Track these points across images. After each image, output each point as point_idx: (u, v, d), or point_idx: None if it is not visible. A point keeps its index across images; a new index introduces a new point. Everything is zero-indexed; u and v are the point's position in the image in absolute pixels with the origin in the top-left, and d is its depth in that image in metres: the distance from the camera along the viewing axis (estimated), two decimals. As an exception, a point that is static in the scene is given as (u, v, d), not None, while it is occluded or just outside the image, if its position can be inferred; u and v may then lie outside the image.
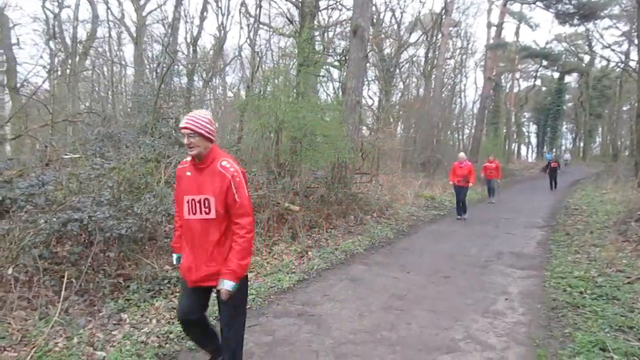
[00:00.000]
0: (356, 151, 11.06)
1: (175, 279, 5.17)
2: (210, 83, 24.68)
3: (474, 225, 10.34)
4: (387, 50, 31.84)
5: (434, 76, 26.36)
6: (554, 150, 53.73)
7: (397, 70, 33.16)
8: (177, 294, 4.91)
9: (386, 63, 29.75)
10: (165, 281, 5.11)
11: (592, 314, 4.44)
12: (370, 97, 39.65)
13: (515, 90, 49.81)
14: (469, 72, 62.34)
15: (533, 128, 59.20)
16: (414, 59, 32.11)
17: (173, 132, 10.06)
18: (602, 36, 52.13)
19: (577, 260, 6.64)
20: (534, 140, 58.61)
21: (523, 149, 59.95)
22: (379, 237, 8.46)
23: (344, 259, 6.84)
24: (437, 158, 21.40)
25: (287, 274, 5.86)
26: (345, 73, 12.80)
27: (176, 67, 14.76)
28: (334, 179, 10.21)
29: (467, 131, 44.82)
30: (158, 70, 14.07)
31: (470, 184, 11.19)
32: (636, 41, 23.40)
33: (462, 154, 11.81)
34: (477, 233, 9.26)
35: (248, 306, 4.64)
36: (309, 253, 6.99)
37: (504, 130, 43.19)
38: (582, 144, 50.05)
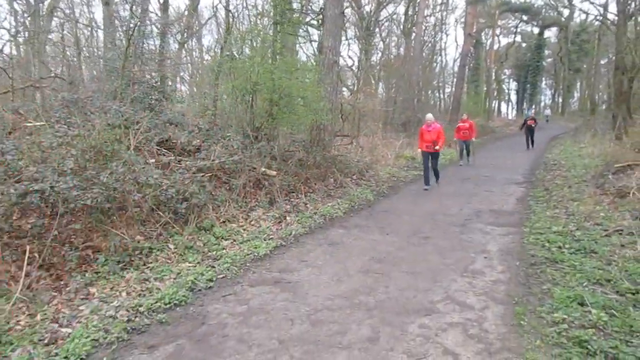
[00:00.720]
0: (335, 113, 10.81)
1: (148, 249, 5.02)
2: (186, 45, 23.83)
3: (454, 183, 10.31)
4: (367, 8, 31.15)
5: (414, 34, 25.83)
6: (534, 107, 54.12)
7: (377, 29, 32.57)
8: (150, 265, 4.77)
9: (365, 21, 29.11)
10: (137, 252, 4.93)
11: (571, 268, 4.41)
12: (350, 57, 39.09)
13: (496, 47, 49.37)
14: (449, 29, 61.58)
15: (513, 85, 59.34)
16: (394, 16, 31.52)
17: (146, 96, 9.68)
18: (581, -12, 51.59)
19: (556, 216, 6.64)
20: (514, 97, 58.84)
21: (503, 106, 60.17)
22: (359, 199, 8.35)
23: (322, 223, 6.72)
24: (417, 118, 21.19)
25: (264, 240, 5.73)
26: (322, 31, 12.35)
27: (145, 28, 14.13)
28: (313, 142, 10.00)
29: (448, 90, 44.59)
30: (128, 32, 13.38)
31: (437, 148, 9.59)
32: (615, -7, 23.11)
33: (429, 115, 10.04)
34: (457, 191, 9.22)
35: (222, 275, 4.55)
36: (287, 218, 6.85)
37: (485, 88, 43.11)
38: (561, 100, 50.39)
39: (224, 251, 5.32)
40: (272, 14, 13.52)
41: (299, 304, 3.85)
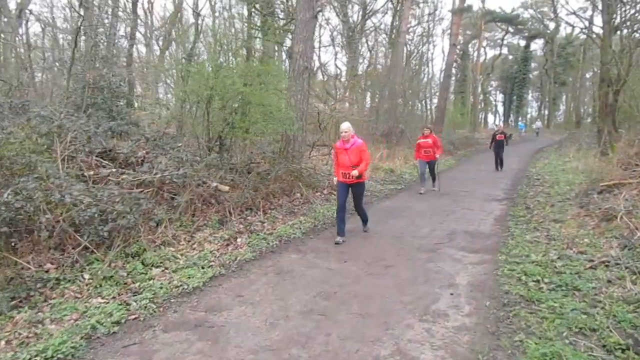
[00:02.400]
0: (305, 122, 10.10)
1: (55, 280, 4.24)
2: (168, 52, 23.06)
3: (430, 199, 9.63)
4: (354, 17, 30.73)
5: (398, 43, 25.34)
6: (520, 118, 54.07)
7: (364, 39, 32.11)
8: (53, 301, 3.98)
9: (351, 30, 28.63)
10: (39, 285, 4.14)
11: (549, 311, 3.71)
12: (337, 67, 38.60)
13: (482, 59, 49.35)
14: (436, 40, 61.54)
15: (500, 97, 59.33)
16: (381, 26, 31.11)
17: (104, 102, 8.92)
18: (567, 2, 52.08)
19: (536, 240, 5.97)
20: (501, 109, 58.76)
21: (490, 117, 60.07)
22: (324, 217, 7.63)
23: (276, 246, 5.97)
24: (400, 128, 20.59)
25: (202, 268, 4.97)
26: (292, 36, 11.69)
27: (114, 30, 13.36)
28: (281, 153, 9.29)
29: (435, 101, 44.27)
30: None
31: (355, 174, 6.90)
32: (600, 6, 22.91)
33: (344, 125, 8.60)
34: (433, 208, 8.54)
35: (134, 316, 3.79)
36: (238, 240, 6.09)
37: (471, 100, 42.88)
38: (547, 112, 50.40)
39: (151, 282, 4.54)
40: (244, 17, 12.88)
41: (214, 358, 3.09)
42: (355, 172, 6.02)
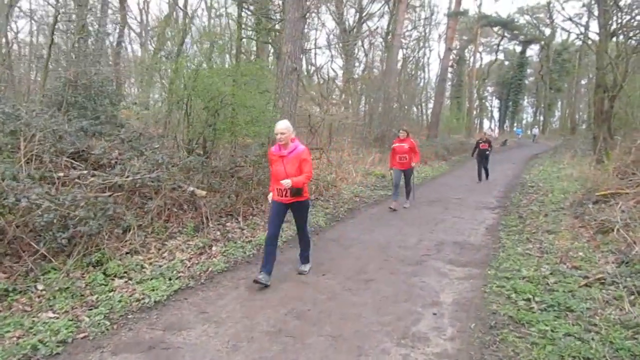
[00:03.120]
0: (294, 125, 9.74)
1: (4, 291, 3.87)
2: (161, 51, 22.66)
3: (420, 206, 9.31)
4: (350, 21, 30.49)
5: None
6: (515, 124, 53.96)
7: (360, 42, 31.86)
8: (4, 314, 3.61)
9: (347, 33, 28.36)
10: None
11: (540, 336, 3.39)
12: (333, 70, 38.39)
13: (478, 64, 49.20)
14: (433, 45, 61.45)
15: (496, 102, 59.29)
16: (376, 29, 30.86)
17: (87, 100, 8.54)
18: (563, 8, 52.06)
19: (528, 253, 5.65)
20: (497, 114, 58.75)
21: (486, 123, 59.94)
22: (308, 225, 7.27)
23: (252, 256, 5.62)
24: (393, 133, 20.27)
25: (169, 279, 4.61)
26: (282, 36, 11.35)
27: (103, 27, 12.98)
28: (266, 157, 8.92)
29: (431, 105, 44.09)
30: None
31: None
32: (596, 12, 22.73)
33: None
34: (422, 217, 8.21)
35: (84, 334, 3.43)
36: (213, 248, 5.74)
37: (467, 105, 42.71)
38: (542, 118, 50.30)
39: (111, 294, 4.18)
40: (233, 17, 12.57)
41: (162, 389, 2.75)
42: (287, 182, 4.39)
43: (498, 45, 49.60)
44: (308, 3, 11.19)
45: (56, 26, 7.99)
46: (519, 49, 48.21)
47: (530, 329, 3.50)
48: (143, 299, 4.12)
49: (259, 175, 7.68)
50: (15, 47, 18.59)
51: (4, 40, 13.87)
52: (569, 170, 13.90)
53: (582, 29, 34.99)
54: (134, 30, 27.94)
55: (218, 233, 6.23)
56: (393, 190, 9.14)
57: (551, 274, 4.77)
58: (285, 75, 9.57)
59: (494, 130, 51.21)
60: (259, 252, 5.78)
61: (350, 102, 25.84)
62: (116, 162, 6.17)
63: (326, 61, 62.07)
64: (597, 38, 15.77)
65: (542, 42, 44.41)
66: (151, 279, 4.57)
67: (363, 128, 20.42)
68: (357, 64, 31.72)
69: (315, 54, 37.09)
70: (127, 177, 5.81)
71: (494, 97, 59.99)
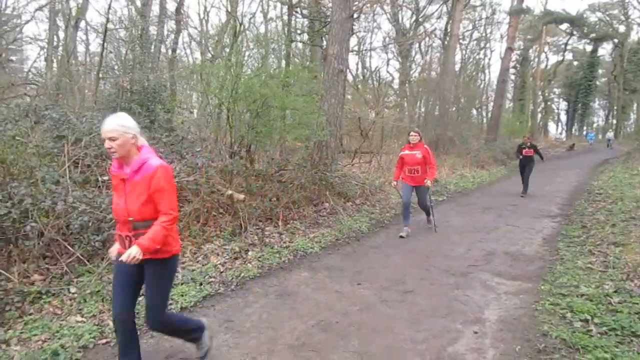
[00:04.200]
0: (337, 128, 9.53)
1: (37, 294, 3.93)
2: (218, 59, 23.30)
3: (472, 213, 8.79)
4: (407, 23, 30.02)
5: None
6: (585, 128, 50.75)
7: (417, 44, 31.23)
8: (29, 317, 3.65)
9: (403, 35, 27.89)
10: (18, 298, 3.83)
11: (597, 365, 2.95)
12: (389, 74, 37.91)
13: (544, 65, 46.82)
14: (494, 45, 59.26)
15: (563, 105, 56.11)
16: (434, 30, 30.12)
17: (141, 106, 8.82)
18: (640, 3, 48.52)
19: (589, 267, 5.08)
20: (564, 117, 55.59)
21: (552, 126, 56.82)
22: (350, 230, 7.03)
23: (288, 262, 5.44)
24: (448, 136, 19.57)
25: (200, 284, 4.52)
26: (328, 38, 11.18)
27: (148, 34, 13.47)
28: (313, 160, 8.80)
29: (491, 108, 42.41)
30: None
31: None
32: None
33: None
34: (473, 224, 7.72)
35: (106, 340, 3.37)
36: (249, 253, 5.62)
37: (531, 107, 40.69)
38: (614, 121, 46.91)
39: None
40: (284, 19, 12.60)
41: (170, 403, 2.60)
42: (130, 251, 2.48)
43: (566, 44, 46.86)
44: (357, 3, 10.95)
45: (107, 34, 8.26)
46: (589, 48, 45.31)
47: (586, 356, 3.06)
48: (171, 304, 4.03)
49: (300, 179, 7.52)
50: (82, 58, 19.75)
51: (61, 50, 14.73)
52: (644, 177, 12.72)
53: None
54: (194, 39, 28.90)
55: (255, 237, 6.12)
56: (402, 211, 7.07)
57: (615, 292, 4.22)
58: (332, 77, 9.40)
59: (561, 134, 48.56)
60: (294, 258, 5.61)
61: (405, 105, 25.33)
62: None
63: (382, 64, 61.33)
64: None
65: (616, 40, 41.49)
66: (182, 284, 4.50)
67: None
68: (413, 66, 31.14)
69: (370, 56, 36.73)
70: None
71: (561, 99, 56.80)
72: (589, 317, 3.66)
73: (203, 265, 5.09)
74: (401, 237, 6.76)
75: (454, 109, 26.28)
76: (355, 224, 7.31)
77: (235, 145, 7.53)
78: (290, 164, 8.07)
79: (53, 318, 3.69)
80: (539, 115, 46.24)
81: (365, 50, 27.23)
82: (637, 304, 3.89)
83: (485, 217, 8.37)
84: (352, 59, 44.88)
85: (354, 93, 26.17)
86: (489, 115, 40.02)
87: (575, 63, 49.88)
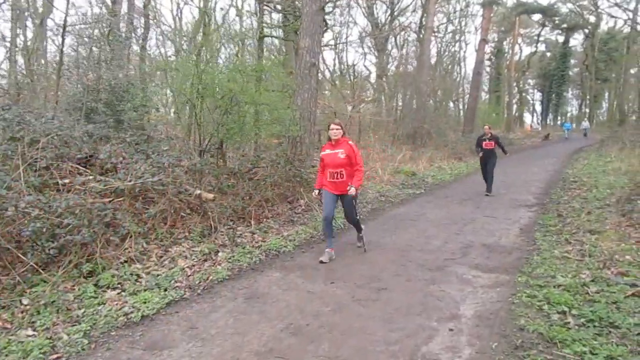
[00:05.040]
0: (312, 123, 9.34)
1: None
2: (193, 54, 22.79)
3: (451, 205, 8.71)
4: (382, 17, 29.99)
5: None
6: (560, 118, 51.49)
7: (393, 38, 31.20)
8: None
9: (378, 29, 27.87)
10: (-37, 314, 3.54)
11: (576, 358, 2.83)
12: (367, 68, 37.84)
13: (518, 56, 47.29)
14: (469, 38, 59.70)
15: (538, 95, 56.96)
16: (409, 24, 30.17)
17: (107, 106, 8.46)
18: (609, -7, 49.32)
19: (566, 256, 5.01)
20: (539, 108, 56.41)
21: (528, 117, 57.57)
22: (325, 227, 6.84)
23: (259, 263, 5.24)
24: (425, 129, 19.56)
25: (165, 290, 4.29)
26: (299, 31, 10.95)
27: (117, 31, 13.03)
28: (284, 157, 8.59)
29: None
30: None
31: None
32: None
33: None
34: (450, 217, 7.62)
35: (57, 355, 3.12)
36: (219, 254, 5.40)
37: (506, 99, 41.13)
38: (587, 110, 47.79)
39: (100, 308, 3.89)
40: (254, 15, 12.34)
41: (122, 423, 2.38)
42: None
43: (539, 35, 47.53)
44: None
45: (74, 32, 7.88)
46: (561, 39, 46.07)
47: (564, 351, 2.94)
48: (131, 312, 3.80)
49: (273, 176, 7.31)
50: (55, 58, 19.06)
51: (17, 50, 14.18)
52: (617, 164, 12.89)
53: (631, 15, 33.14)
54: (167, 36, 28.27)
55: (226, 238, 5.89)
56: (323, 229, 5.51)
57: (592, 281, 4.14)
58: (304, 71, 9.20)
59: (538, 124, 49.15)
60: (267, 258, 5.41)
61: (383, 99, 25.28)
62: (120, 167, 5.94)
63: (359, 59, 61.38)
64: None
65: (587, 31, 42.22)
66: (145, 290, 4.26)
67: (394, 125, 19.80)
68: (390, 60, 31.10)
69: (347, 51, 36.63)
70: (129, 181, 5.57)
71: (535, 90, 57.64)
72: (566, 309, 3.55)
73: (169, 269, 4.85)
74: (321, 262, 5.13)
75: (431, 102, 26.33)
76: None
77: (205, 143, 7.29)
78: (263, 160, 7.85)
79: (2, 333, 3.42)
80: (515, 107, 46.70)
81: (342, 43, 27.00)
82: (614, 293, 3.80)
83: (462, 209, 8.29)
84: (329, 55, 44.63)
85: (332, 89, 26.02)
86: (466, 107, 40.36)
87: (548, 54, 50.62)
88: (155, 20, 19.92)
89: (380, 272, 4.74)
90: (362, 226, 5.73)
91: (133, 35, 16.25)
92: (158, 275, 4.65)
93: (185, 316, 3.77)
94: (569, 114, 58.65)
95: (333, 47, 28.69)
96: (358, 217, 5.58)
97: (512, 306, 3.74)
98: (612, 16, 42.86)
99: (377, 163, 12.87)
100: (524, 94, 53.87)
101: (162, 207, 5.54)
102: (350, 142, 5.36)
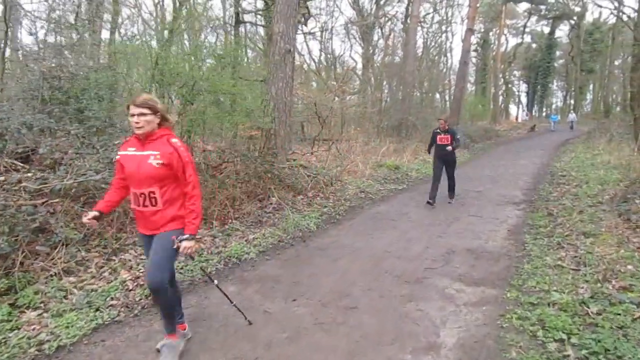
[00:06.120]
0: (287, 115, 8.67)
1: None
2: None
3: (435, 203, 8.13)
4: (368, 6, 29.32)
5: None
6: (544, 109, 51.38)
7: (379, 29, 30.49)
8: None
9: (363, 18, 27.20)
10: None
11: (581, 410, 2.27)
12: (353, 59, 37.09)
13: (504, 48, 46.94)
14: (456, 29, 59.29)
15: (524, 87, 56.83)
16: (395, 14, 29.47)
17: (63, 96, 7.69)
18: (595, -17, 49.13)
19: (560, 265, 4.46)
20: (524, 99, 56.31)
21: (513, 108, 57.41)
22: (297, 229, 6.22)
23: (215, 273, 4.60)
24: (411, 121, 19.00)
25: (96, 310, 3.64)
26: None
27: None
28: (260, 150, 7.96)
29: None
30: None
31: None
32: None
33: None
34: (433, 216, 7.07)
35: None
36: (172, 263, 4.74)
37: (492, 90, 40.78)
38: (572, 102, 47.73)
39: (11, 335, 3.23)
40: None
41: None
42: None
43: (524, 26, 47.23)
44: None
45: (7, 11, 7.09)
46: (547, 30, 45.90)
47: (565, 398, 2.37)
48: (48, 341, 3.15)
49: (242, 172, 6.67)
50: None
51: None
52: (605, 157, 12.46)
53: (617, 4, 32.85)
54: (149, 25, 27.19)
55: (183, 243, 5.23)
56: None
57: (592, 297, 3.60)
58: (278, 57, 8.52)
59: (527, 116, 48.89)
60: (225, 267, 4.78)
61: (369, 89, 24.63)
62: (59, 163, 5.24)
63: (345, 50, 60.52)
64: (634, 14, 14.13)
65: (572, 22, 42.00)
66: (73, 310, 3.61)
67: (378, 116, 19.21)
68: (377, 51, 30.42)
69: (332, 39, 35.85)
70: (69, 179, 4.88)
71: (521, 82, 57.51)
72: (564, 336, 3.00)
73: (108, 282, 4.19)
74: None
75: (417, 94, 25.73)
76: (303, 220, 6.51)
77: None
78: (231, 155, 7.18)
79: None
80: (500, 98, 46.41)
81: (325, 31, 26.24)
82: (618, 314, 3.26)
83: (446, 207, 7.74)
84: (316, 45, 43.84)
85: (318, 79, 25.31)
86: (452, 98, 39.82)
87: (534, 45, 50.46)
88: (136, 9, 19.09)
89: (350, 286, 4.14)
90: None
91: (101, 21, 15.36)
92: (92, 290, 3.99)
93: (112, 346, 3.13)
94: (553, 106, 58.66)
95: (317, 36, 27.93)
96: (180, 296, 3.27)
97: (501, 331, 3.17)
98: (599, 6, 42.60)
99: (358, 157, 12.26)
100: (509, 86, 53.64)
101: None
102: (174, 141, 2.86)
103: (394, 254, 5.13)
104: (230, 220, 6.25)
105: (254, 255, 5.12)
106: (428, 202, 7.93)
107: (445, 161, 8.15)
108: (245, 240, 5.62)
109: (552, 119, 34.18)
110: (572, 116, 32.85)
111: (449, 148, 7.88)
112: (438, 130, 8.19)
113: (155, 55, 5.73)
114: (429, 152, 8.82)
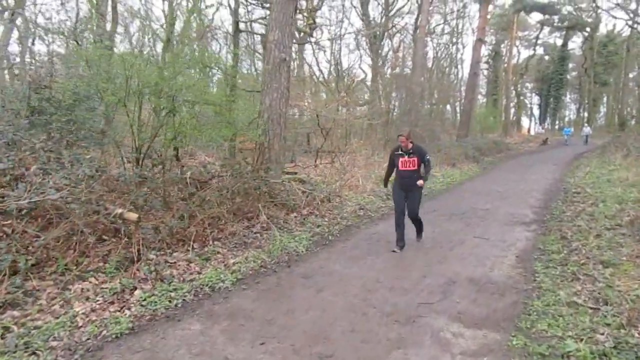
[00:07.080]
0: (281, 127, 8.19)
1: None
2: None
3: (437, 221, 7.55)
4: (378, 18, 29.07)
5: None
6: (558, 122, 50.41)
7: (389, 40, 30.12)
8: None
9: (372, 29, 26.85)
10: None
11: None
12: (363, 71, 36.78)
13: (516, 59, 46.28)
14: (467, 40, 58.86)
15: (536, 99, 56.03)
16: (405, 25, 29.14)
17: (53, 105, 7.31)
18: (609, -6, 48.35)
19: (575, 302, 3.87)
20: (537, 111, 55.49)
21: (525, 121, 56.46)
22: (283, 252, 5.69)
23: (181, 306, 4.06)
24: (418, 133, 18.43)
25: (32, 353, 3.13)
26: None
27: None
28: (254, 165, 7.48)
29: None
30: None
31: None
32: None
33: None
34: (435, 237, 6.49)
35: None
36: (136, 293, 4.24)
37: (504, 102, 40.07)
38: (586, 114, 46.78)
39: None
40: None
41: None
42: None
43: (537, 38, 46.57)
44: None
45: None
46: (559, 42, 45.19)
47: None
48: (-40, 397, 2.65)
49: (224, 190, 6.17)
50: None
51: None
52: (623, 173, 11.78)
53: (631, 15, 32.18)
54: (156, 33, 27.11)
55: (153, 269, 4.73)
56: None
57: (615, 348, 3.01)
58: (273, 67, 8.08)
59: (542, 129, 48.08)
60: (195, 298, 4.24)
61: (377, 101, 24.18)
62: (18, 179, 4.78)
63: (354, 61, 60.44)
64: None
65: (586, 34, 41.28)
66: (5, 354, 3.10)
67: (385, 128, 18.72)
68: (386, 62, 30.01)
69: (340, 50, 35.53)
70: (24, 199, 4.41)
71: (533, 94, 56.72)
72: (582, 405, 2.42)
73: (57, 317, 3.69)
74: None
75: (427, 105, 25.19)
76: (291, 242, 5.98)
77: (144, 149, 6.14)
78: (207, 172, 6.70)
79: None
80: (512, 110, 45.62)
81: (335, 40, 25.92)
82: (649, 374, 2.67)
83: (450, 227, 7.15)
84: (324, 57, 43.61)
85: (326, 90, 24.93)
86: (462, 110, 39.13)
87: (547, 57, 49.78)
88: (146, 20, 18.90)
89: (330, 326, 3.58)
90: None
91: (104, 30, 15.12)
92: (36, 327, 3.49)
93: (34, 405, 2.62)
94: (566, 118, 57.63)
95: (326, 47, 27.70)
96: None
97: (504, 394, 2.60)
98: (613, 16, 41.85)
99: (360, 170, 11.73)
100: (521, 98, 52.85)
101: (61, 232, 4.37)
102: None
103: (386, 284, 4.56)
104: (213, 242, 5.74)
105: (229, 284, 4.58)
106: (393, 251, 5.80)
107: (410, 192, 5.91)
108: (225, 265, 5.10)
109: (565, 132, 33.17)
110: (586, 129, 31.47)
111: (420, 182, 5.77)
112: (400, 152, 5.93)
113: (126, 62, 5.28)
114: (386, 185, 6.74)
